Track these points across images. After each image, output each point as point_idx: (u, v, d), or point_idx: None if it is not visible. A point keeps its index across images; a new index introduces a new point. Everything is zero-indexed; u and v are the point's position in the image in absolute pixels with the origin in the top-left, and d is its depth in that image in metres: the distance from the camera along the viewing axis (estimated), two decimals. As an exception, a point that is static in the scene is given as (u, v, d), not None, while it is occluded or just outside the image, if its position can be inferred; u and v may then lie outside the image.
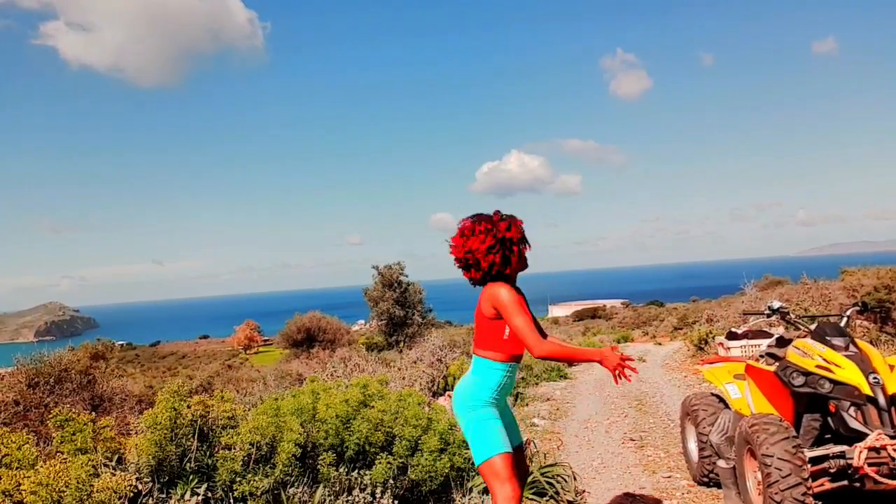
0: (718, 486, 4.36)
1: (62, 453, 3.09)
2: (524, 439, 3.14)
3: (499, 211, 2.85)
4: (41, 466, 2.89)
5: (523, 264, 2.84)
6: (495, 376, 2.78)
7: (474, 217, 2.82)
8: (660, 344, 21.49)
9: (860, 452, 3.31)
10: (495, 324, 2.76)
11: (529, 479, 4.32)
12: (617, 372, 2.57)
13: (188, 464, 3.40)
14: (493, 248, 2.70)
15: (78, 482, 2.80)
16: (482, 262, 2.72)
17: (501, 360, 2.77)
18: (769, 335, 4.87)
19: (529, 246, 2.83)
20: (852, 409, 3.48)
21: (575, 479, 4.60)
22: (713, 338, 12.49)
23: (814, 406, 3.71)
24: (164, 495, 3.24)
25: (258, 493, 3.34)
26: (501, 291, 2.69)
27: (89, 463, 2.94)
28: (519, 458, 2.94)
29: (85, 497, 2.80)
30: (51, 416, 3.18)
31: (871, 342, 9.19)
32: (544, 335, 2.79)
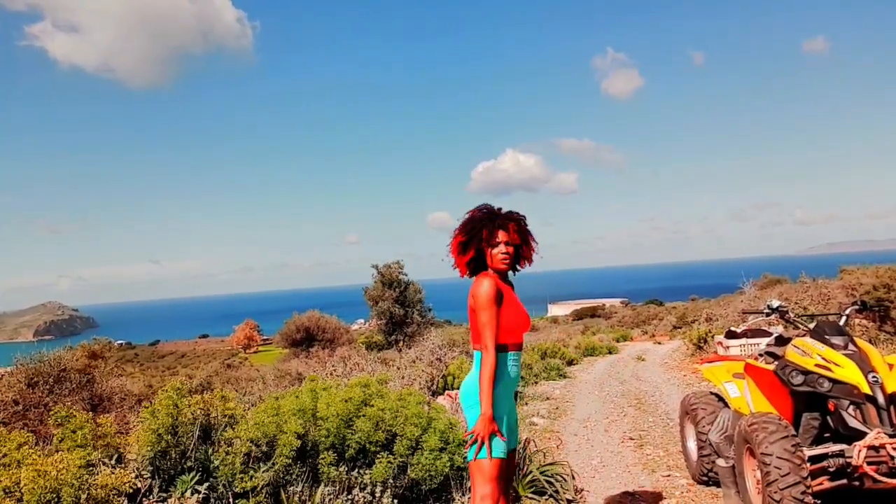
0: (718, 484, 4.37)
1: (62, 451, 3.09)
2: (523, 439, 3.15)
3: (480, 207, 2.91)
4: (39, 459, 2.90)
5: (497, 260, 2.82)
6: (500, 367, 2.79)
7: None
8: (659, 343, 21.50)
9: (859, 451, 3.31)
10: None
11: (528, 478, 4.32)
12: (476, 438, 2.65)
13: (188, 461, 3.40)
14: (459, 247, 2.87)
15: (75, 477, 2.79)
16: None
17: (501, 350, 2.79)
18: (768, 334, 4.87)
19: (500, 243, 2.82)
20: (851, 407, 3.48)
21: (574, 477, 4.60)
22: (712, 337, 12.49)
23: (813, 405, 3.71)
24: (164, 493, 3.24)
25: (259, 489, 3.34)
26: (481, 285, 2.75)
27: (86, 458, 2.94)
28: (510, 460, 2.97)
29: (82, 493, 2.80)
30: (51, 413, 3.19)
31: (870, 341, 9.20)
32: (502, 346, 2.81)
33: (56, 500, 2.77)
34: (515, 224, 2.85)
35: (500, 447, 2.72)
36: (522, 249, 2.90)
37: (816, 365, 3.58)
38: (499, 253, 2.81)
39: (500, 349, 2.79)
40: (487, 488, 2.66)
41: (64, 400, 7.10)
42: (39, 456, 3.02)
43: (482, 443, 2.65)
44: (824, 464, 3.46)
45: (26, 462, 2.87)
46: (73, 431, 3.09)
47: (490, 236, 2.80)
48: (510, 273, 2.96)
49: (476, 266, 2.88)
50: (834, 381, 3.50)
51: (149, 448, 3.22)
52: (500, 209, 2.90)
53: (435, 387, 8.61)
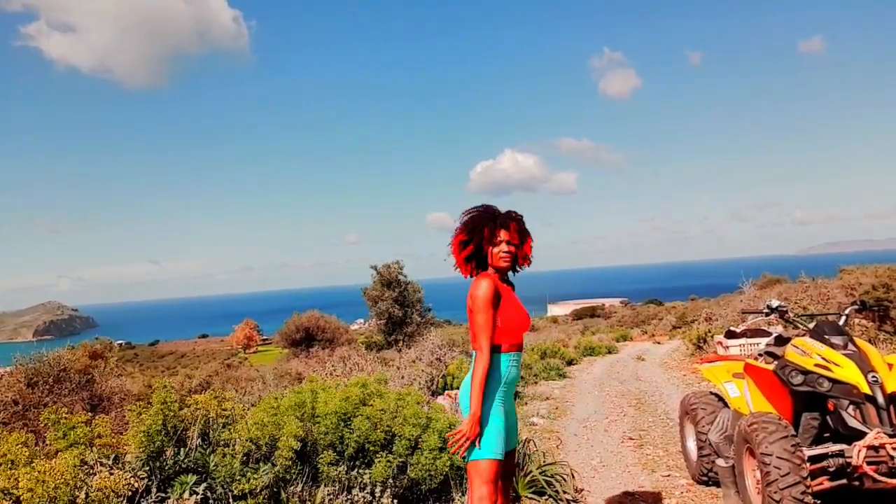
0: (717, 484, 4.37)
1: (60, 450, 3.09)
2: (523, 439, 3.13)
3: (478, 207, 2.93)
4: (37, 463, 2.89)
5: (499, 258, 2.84)
6: (499, 368, 2.79)
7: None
8: (659, 343, 21.50)
9: (859, 451, 3.31)
10: None
11: (528, 477, 4.32)
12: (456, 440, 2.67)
13: (187, 462, 3.39)
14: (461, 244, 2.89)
15: (69, 477, 2.79)
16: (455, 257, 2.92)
17: (503, 350, 2.79)
18: (768, 334, 4.88)
19: (503, 242, 2.83)
20: (851, 407, 3.48)
21: (574, 477, 4.60)
22: (712, 336, 12.49)
23: (813, 405, 3.71)
24: (162, 493, 3.24)
25: (258, 491, 3.33)
26: (479, 286, 2.75)
27: (80, 456, 2.93)
28: (508, 460, 2.95)
29: (79, 492, 2.79)
30: (42, 416, 3.18)
31: (869, 341, 9.20)
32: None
33: (53, 501, 2.76)
34: (516, 224, 2.88)
35: (495, 448, 2.70)
36: (522, 250, 2.92)
37: (816, 365, 3.58)
38: (500, 251, 2.83)
39: (499, 350, 2.78)
40: (485, 489, 2.66)
41: (63, 400, 7.10)
42: (39, 457, 3.02)
43: (468, 443, 2.65)
44: (824, 464, 3.46)
45: (25, 465, 2.86)
46: (65, 435, 3.08)
47: (492, 235, 2.83)
48: (511, 273, 2.96)
49: (477, 265, 2.90)
50: (833, 381, 3.50)
51: (141, 450, 3.21)
52: (497, 209, 2.93)
53: (435, 387, 8.60)
